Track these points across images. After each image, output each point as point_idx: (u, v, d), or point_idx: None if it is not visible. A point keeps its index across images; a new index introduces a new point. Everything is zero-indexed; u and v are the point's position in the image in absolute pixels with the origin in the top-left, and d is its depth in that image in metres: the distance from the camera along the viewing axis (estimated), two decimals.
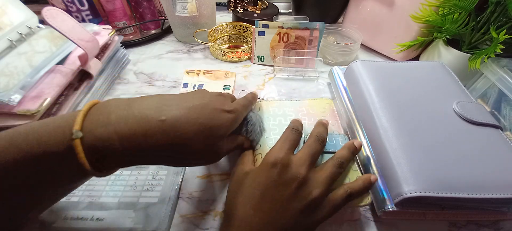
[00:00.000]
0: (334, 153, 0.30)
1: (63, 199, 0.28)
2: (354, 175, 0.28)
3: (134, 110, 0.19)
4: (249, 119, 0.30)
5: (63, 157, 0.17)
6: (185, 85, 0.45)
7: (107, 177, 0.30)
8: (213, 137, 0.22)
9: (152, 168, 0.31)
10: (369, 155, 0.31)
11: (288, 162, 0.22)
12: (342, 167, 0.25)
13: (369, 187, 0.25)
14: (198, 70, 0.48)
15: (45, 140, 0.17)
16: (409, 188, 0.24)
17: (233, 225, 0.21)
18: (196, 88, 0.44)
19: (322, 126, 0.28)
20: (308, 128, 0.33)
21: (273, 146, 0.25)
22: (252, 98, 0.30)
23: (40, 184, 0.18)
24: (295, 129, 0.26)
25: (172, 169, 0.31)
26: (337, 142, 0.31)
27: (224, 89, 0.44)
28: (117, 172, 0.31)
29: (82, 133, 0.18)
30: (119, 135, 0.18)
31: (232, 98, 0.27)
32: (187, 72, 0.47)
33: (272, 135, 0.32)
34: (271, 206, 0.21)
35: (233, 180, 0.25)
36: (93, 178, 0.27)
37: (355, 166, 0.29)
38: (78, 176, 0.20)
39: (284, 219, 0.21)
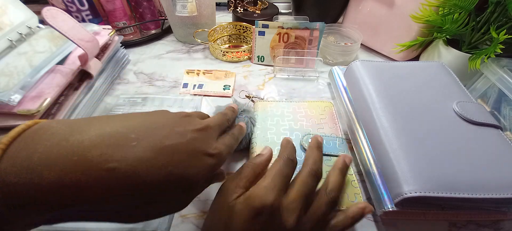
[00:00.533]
0: (331, 155, 0.30)
1: None
2: (348, 179, 0.28)
3: (74, 146, 0.14)
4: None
5: None
6: (185, 85, 0.45)
7: None
8: (182, 188, 0.16)
9: None
10: (369, 155, 0.31)
11: (277, 209, 0.18)
12: (330, 204, 0.21)
13: (345, 169, 0.23)
14: (198, 70, 0.48)
15: None
16: (409, 188, 0.24)
17: None
18: (196, 88, 0.44)
19: (317, 151, 0.24)
20: (306, 129, 0.33)
21: (262, 180, 0.19)
22: (239, 133, 0.26)
23: None
24: (291, 161, 0.22)
25: None
26: (334, 144, 0.31)
27: (224, 89, 0.44)
28: None
29: None
30: (40, 185, 0.13)
31: (215, 125, 0.22)
32: (187, 72, 0.47)
33: (268, 134, 0.32)
34: None
35: (217, 199, 0.20)
36: None
37: (351, 170, 0.29)
38: None
39: None
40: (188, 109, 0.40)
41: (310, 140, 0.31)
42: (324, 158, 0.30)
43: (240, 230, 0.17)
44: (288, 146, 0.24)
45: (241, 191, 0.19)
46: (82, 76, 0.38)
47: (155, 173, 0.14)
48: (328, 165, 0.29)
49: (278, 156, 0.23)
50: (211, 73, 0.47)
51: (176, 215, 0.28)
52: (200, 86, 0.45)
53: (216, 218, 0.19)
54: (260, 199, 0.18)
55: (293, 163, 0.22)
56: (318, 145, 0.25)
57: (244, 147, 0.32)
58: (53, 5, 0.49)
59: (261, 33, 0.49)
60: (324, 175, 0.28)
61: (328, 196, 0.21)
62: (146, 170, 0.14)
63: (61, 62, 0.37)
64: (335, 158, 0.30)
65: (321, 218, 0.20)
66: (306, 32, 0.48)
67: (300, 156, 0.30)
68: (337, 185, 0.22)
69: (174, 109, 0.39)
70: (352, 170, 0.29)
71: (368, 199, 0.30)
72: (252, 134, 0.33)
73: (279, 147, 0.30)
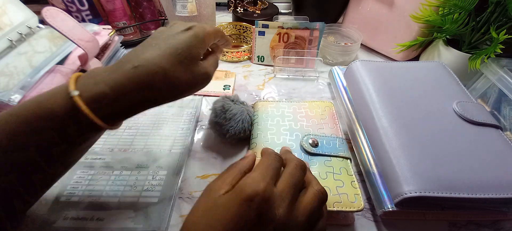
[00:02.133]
0: (332, 155, 0.30)
1: (64, 199, 0.28)
2: (348, 180, 0.28)
3: (113, 67, 0.21)
4: (227, 107, 0.31)
5: (68, 116, 0.19)
6: None
7: (107, 177, 0.30)
8: (182, 60, 0.21)
9: (151, 168, 0.31)
10: (369, 155, 0.31)
11: (269, 197, 0.18)
12: (320, 196, 0.21)
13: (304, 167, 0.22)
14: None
15: (45, 105, 0.19)
16: (409, 188, 0.24)
17: None
18: None
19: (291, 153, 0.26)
20: (306, 129, 0.33)
21: (251, 173, 0.20)
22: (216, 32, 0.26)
23: (49, 147, 0.19)
24: (279, 156, 0.23)
25: (172, 168, 0.31)
26: (334, 145, 0.31)
27: (224, 89, 0.44)
28: (117, 172, 0.31)
29: (78, 91, 0.19)
30: (109, 86, 0.19)
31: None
32: None
33: (268, 134, 0.32)
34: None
35: (200, 198, 0.20)
36: (94, 177, 0.29)
37: (351, 170, 0.29)
38: (86, 131, 0.20)
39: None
40: (188, 109, 0.40)
41: (310, 141, 0.31)
42: (324, 158, 0.30)
43: (232, 218, 0.17)
44: (283, 149, 0.27)
45: (228, 188, 0.19)
46: None
47: (158, 59, 0.20)
48: (328, 165, 0.29)
49: (267, 153, 0.23)
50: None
51: (176, 215, 0.28)
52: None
53: (199, 215, 0.19)
54: (252, 187, 0.18)
55: (280, 158, 0.23)
56: (289, 150, 0.28)
57: (244, 136, 0.33)
58: (53, 5, 0.49)
59: (261, 33, 0.49)
60: (324, 175, 0.28)
61: (316, 187, 0.21)
62: (152, 61, 0.20)
63: (61, 62, 0.37)
64: (335, 158, 0.30)
65: (310, 208, 0.20)
66: (306, 32, 0.48)
67: (300, 157, 0.30)
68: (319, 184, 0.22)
69: (174, 109, 0.39)
70: (352, 170, 0.29)
71: (368, 199, 0.30)
72: (250, 126, 0.34)
73: (280, 148, 0.31)
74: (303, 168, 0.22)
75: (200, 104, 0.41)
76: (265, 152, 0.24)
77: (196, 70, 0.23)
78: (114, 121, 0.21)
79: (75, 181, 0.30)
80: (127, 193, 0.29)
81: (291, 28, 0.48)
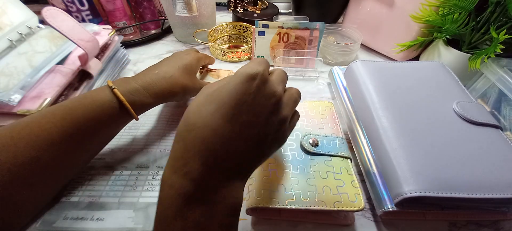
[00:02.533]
0: (332, 155, 0.30)
1: (64, 199, 0.28)
2: (349, 179, 0.28)
3: (140, 74, 0.31)
4: None
5: (110, 106, 0.27)
6: None
7: (107, 178, 0.30)
8: (187, 71, 0.33)
9: (152, 169, 0.31)
10: (369, 155, 0.31)
11: (267, 77, 0.20)
12: (299, 94, 0.25)
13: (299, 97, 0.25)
14: (201, 69, 0.47)
15: (96, 98, 0.27)
16: (409, 188, 0.24)
17: (191, 146, 0.17)
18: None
19: None
20: (306, 128, 0.33)
21: (249, 63, 0.21)
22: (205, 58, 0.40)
23: (96, 130, 0.27)
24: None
25: None
26: (334, 144, 0.31)
27: None
28: (118, 172, 0.31)
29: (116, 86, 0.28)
30: (141, 84, 0.29)
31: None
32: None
33: None
34: (247, 118, 0.19)
35: (201, 92, 0.21)
36: (94, 177, 0.30)
37: (351, 170, 0.29)
38: (120, 117, 0.28)
39: (258, 133, 0.19)
40: None
41: (310, 140, 0.31)
42: (325, 158, 0.30)
43: (238, 87, 0.18)
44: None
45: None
46: (82, 76, 0.38)
47: (171, 72, 0.32)
48: (328, 165, 0.29)
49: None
50: (214, 72, 0.47)
51: None
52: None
53: (202, 100, 0.19)
54: (252, 68, 0.19)
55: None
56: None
57: None
58: (53, 5, 0.49)
59: (261, 33, 0.49)
60: (324, 175, 0.28)
61: (295, 89, 0.24)
62: (170, 74, 0.31)
63: (61, 62, 0.37)
64: (335, 157, 0.30)
65: (295, 99, 0.23)
66: (306, 32, 0.48)
67: (301, 156, 0.30)
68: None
69: (174, 109, 0.39)
70: (352, 170, 0.29)
71: (368, 199, 0.30)
72: None
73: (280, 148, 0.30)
74: (286, 74, 0.24)
75: None
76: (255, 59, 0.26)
77: (195, 80, 0.35)
78: (141, 109, 0.30)
79: (75, 181, 0.30)
80: (127, 193, 0.29)
81: (291, 28, 0.48)
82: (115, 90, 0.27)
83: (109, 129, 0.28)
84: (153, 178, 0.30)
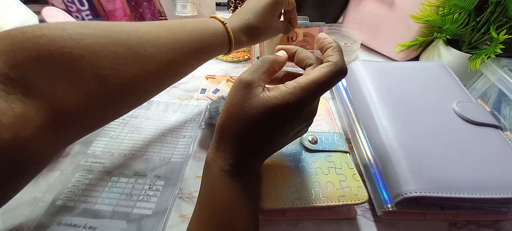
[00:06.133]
0: (331, 151, 0.30)
1: (60, 202, 0.28)
2: (350, 173, 0.28)
3: (239, 14, 0.32)
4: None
5: (221, 37, 0.29)
6: (203, 91, 0.44)
7: (105, 183, 0.30)
8: (274, 11, 0.33)
9: (149, 177, 0.31)
10: (369, 154, 0.31)
11: (251, 81, 0.21)
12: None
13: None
14: (212, 75, 0.47)
15: (212, 26, 0.29)
16: (409, 188, 0.24)
17: (231, 140, 0.21)
18: (210, 93, 0.44)
19: None
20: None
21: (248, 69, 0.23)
22: None
23: (207, 52, 0.29)
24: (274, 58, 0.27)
25: (170, 179, 0.31)
26: (332, 140, 0.31)
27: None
28: (115, 178, 0.31)
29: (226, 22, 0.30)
30: (241, 26, 0.31)
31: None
32: (206, 78, 0.47)
33: None
34: (283, 137, 0.22)
35: (240, 92, 0.22)
36: (91, 182, 0.30)
37: (351, 164, 0.29)
38: (223, 47, 0.30)
39: (286, 140, 0.24)
40: (193, 116, 0.39)
41: (309, 138, 0.31)
42: (324, 154, 0.30)
43: (233, 94, 0.22)
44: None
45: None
46: None
47: (259, 15, 0.33)
48: (329, 161, 0.29)
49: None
50: (214, 78, 0.47)
51: (176, 215, 0.28)
52: (216, 91, 0.44)
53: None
54: (241, 76, 0.22)
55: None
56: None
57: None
58: (53, 5, 0.49)
59: None
60: (326, 171, 0.28)
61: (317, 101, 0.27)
62: (257, 16, 0.33)
63: None
64: (335, 153, 0.30)
65: (316, 107, 0.25)
66: (315, 29, 0.47)
67: (301, 155, 0.30)
68: None
69: (177, 115, 0.39)
70: (352, 163, 0.29)
71: (368, 198, 0.30)
72: None
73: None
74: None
75: (205, 110, 0.40)
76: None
77: (278, 21, 0.36)
78: (234, 47, 0.31)
79: (73, 184, 0.30)
80: (122, 202, 0.28)
81: (299, 27, 0.47)
82: (227, 25, 0.30)
83: (210, 55, 0.30)
84: (149, 188, 0.30)
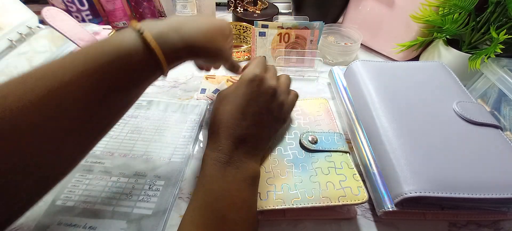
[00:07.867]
0: (331, 151, 0.30)
1: (59, 203, 0.28)
2: (350, 173, 0.28)
3: (167, 20, 0.24)
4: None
5: (136, 52, 0.21)
6: (203, 91, 0.44)
7: (105, 183, 0.30)
8: (222, 35, 0.27)
9: (149, 177, 0.31)
10: (369, 155, 0.31)
11: (263, 77, 0.28)
12: (289, 78, 0.32)
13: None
14: (212, 75, 0.47)
15: (116, 43, 0.20)
16: (409, 188, 0.24)
17: (220, 133, 0.26)
18: (210, 93, 0.44)
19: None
20: (304, 126, 0.33)
21: (248, 66, 0.30)
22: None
23: (121, 85, 0.21)
24: (264, 57, 0.32)
25: (170, 179, 0.31)
26: (332, 140, 0.31)
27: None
28: (115, 178, 0.30)
29: (145, 29, 0.21)
30: (170, 26, 0.23)
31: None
32: (206, 78, 0.47)
33: None
34: (255, 110, 0.27)
35: (216, 100, 0.29)
36: (91, 182, 0.30)
37: (351, 164, 0.29)
38: (148, 70, 0.22)
39: (265, 121, 0.28)
40: (192, 116, 0.39)
41: (309, 138, 0.31)
42: (324, 154, 0.30)
43: (244, 90, 0.27)
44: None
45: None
46: None
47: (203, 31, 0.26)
48: (329, 161, 0.29)
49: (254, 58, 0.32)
50: (214, 78, 0.47)
51: (176, 215, 0.28)
52: (216, 91, 0.44)
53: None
54: (251, 72, 0.27)
55: (265, 59, 0.32)
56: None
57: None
58: (53, 5, 0.49)
59: (262, 34, 0.49)
60: (326, 171, 0.28)
61: (284, 75, 0.32)
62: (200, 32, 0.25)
63: None
64: (335, 153, 0.30)
65: (287, 85, 0.31)
66: (307, 31, 0.48)
67: (301, 155, 0.30)
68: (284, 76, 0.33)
69: (177, 115, 0.39)
70: (352, 163, 0.29)
71: (368, 199, 0.30)
72: None
73: (279, 148, 0.31)
74: (275, 69, 0.32)
75: (205, 110, 0.40)
76: (254, 58, 0.32)
77: (228, 48, 0.30)
78: (170, 61, 0.23)
79: (72, 184, 0.30)
80: (122, 202, 0.28)
81: (290, 28, 0.48)
82: (145, 34, 0.21)
83: (134, 84, 0.22)
84: (149, 188, 0.30)
